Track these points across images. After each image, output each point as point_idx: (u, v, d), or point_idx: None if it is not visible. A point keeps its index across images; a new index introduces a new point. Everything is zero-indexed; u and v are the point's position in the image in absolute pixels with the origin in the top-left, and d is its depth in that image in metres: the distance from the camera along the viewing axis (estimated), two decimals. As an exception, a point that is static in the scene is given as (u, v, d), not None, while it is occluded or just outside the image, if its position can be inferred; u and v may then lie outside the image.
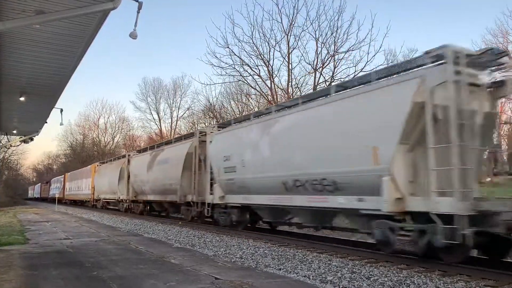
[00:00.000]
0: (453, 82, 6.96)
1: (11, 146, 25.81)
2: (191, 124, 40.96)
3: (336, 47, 22.69)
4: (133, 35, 7.95)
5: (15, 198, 71.14)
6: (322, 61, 23.17)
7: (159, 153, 19.95)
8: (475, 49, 7.85)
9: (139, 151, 25.42)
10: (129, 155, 25.34)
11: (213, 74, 39.43)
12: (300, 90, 24.57)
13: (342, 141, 8.71)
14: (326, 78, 23.20)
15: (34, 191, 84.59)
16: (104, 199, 30.15)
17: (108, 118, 66.65)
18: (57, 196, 49.21)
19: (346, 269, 7.20)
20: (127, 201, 24.50)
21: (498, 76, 7.43)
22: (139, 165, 22.12)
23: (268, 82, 25.27)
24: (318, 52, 23.15)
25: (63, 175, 50.50)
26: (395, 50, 33.71)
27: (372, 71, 10.45)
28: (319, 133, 9.43)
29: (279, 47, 24.17)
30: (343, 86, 10.09)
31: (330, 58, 22.97)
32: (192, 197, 15.80)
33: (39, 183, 78.93)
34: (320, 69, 23.31)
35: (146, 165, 20.73)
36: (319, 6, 28.49)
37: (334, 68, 23.02)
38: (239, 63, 24.95)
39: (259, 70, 24.97)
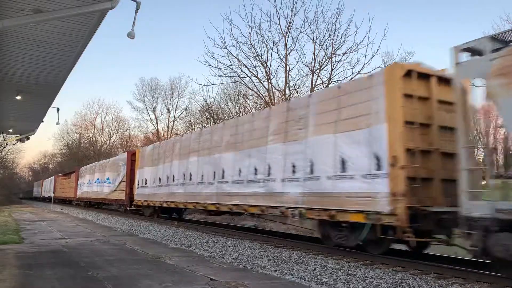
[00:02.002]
0: None
1: (7, 144, 25.67)
2: (188, 124, 40.77)
3: (333, 49, 22.68)
4: (131, 35, 7.93)
5: (11, 197, 70.67)
6: (319, 63, 23.12)
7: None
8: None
9: None
10: None
11: (210, 75, 39.05)
12: (297, 92, 24.56)
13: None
14: (324, 80, 23.22)
15: (42, 189, 58.27)
16: None
17: (104, 117, 65.80)
18: (100, 196, 27.61)
19: (341, 271, 7.22)
20: None
21: None
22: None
23: (265, 84, 25.23)
24: (316, 54, 23.12)
25: (123, 154, 26.45)
26: (392, 52, 33.57)
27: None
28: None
29: (277, 48, 24.09)
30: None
31: (328, 60, 22.95)
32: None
33: (52, 176, 52.80)
34: (318, 71, 23.29)
35: None
36: (317, 8, 28.49)
37: (332, 70, 23.01)
38: (236, 64, 24.82)
39: (257, 72, 24.88)
